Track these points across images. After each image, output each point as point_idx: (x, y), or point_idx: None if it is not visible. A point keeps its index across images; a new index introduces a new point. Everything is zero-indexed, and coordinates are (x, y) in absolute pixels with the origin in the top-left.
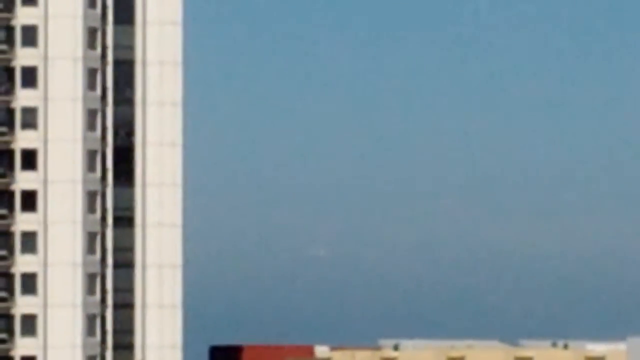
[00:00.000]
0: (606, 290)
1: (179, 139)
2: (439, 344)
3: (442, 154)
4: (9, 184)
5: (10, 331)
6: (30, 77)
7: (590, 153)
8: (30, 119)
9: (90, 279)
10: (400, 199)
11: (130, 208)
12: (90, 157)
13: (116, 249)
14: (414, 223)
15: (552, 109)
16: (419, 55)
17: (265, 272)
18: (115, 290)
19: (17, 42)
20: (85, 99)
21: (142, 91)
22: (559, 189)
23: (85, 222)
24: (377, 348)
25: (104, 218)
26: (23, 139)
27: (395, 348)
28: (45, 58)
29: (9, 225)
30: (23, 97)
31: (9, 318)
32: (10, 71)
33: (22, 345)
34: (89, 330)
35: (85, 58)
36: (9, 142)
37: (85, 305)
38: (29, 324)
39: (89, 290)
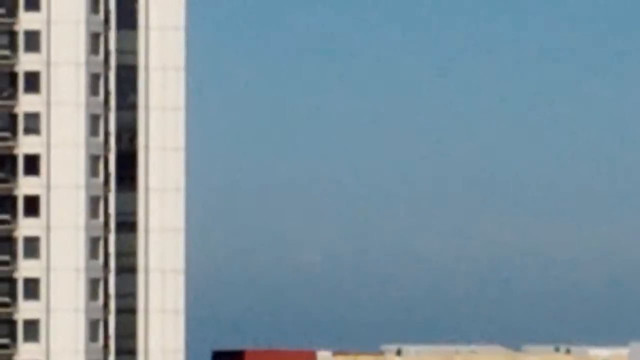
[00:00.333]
0: (608, 295)
1: (181, 143)
2: (442, 349)
3: (440, 157)
4: (12, 189)
5: (12, 336)
6: (33, 82)
7: (593, 155)
8: (33, 124)
9: (92, 284)
10: (400, 203)
11: (133, 213)
12: (93, 162)
13: (119, 254)
14: (416, 228)
15: (553, 110)
16: (419, 55)
17: (268, 277)
18: (118, 295)
19: (19, 47)
20: (87, 104)
21: (144, 96)
22: (562, 192)
23: (88, 227)
24: (380, 353)
25: (106, 223)
26: (26, 144)
27: (398, 353)
28: (48, 63)
29: (12, 231)
30: (26, 102)
31: (11, 323)
32: (13, 76)
33: (24, 350)
34: (92, 336)
35: (88, 63)
36: (11, 147)
37: (87, 310)
38: (32, 329)
39: (92, 295)
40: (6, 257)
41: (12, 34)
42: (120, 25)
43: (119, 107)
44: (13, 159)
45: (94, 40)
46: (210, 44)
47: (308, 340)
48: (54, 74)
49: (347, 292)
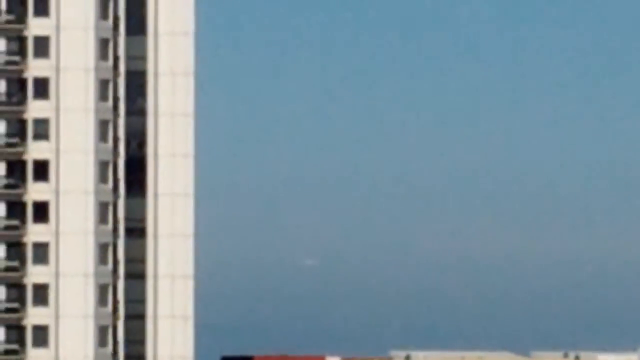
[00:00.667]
0: (618, 300)
1: (190, 149)
2: (450, 355)
3: (445, 159)
4: (21, 194)
5: (22, 342)
6: (42, 88)
7: (604, 160)
8: (42, 130)
9: (101, 289)
10: (408, 208)
11: (142, 219)
12: (102, 167)
13: (128, 260)
14: (425, 234)
15: (555, 110)
16: (421, 56)
17: (277, 283)
18: (127, 301)
19: (29, 53)
20: (97, 109)
21: (154, 102)
22: (571, 199)
23: (97, 233)
24: (389, 359)
25: (115, 229)
26: (35, 150)
27: (407, 359)
28: (57, 69)
29: (21, 236)
30: (35, 108)
31: (20, 329)
32: (22, 82)
33: (34, 356)
34: (101, 341)
35: (97, 69)
36: (21, 153)
37: (97, 316)
38: (41, 334)
39: (101, 301)
40: (15, 263)
41: (22, 40)
42: (129, 31)
43: (128, 113)
44: (22, 164)
45: (103, 46)
46: (219, 50)
47: (317, 346)
48: (63, 80)
49: (356, 297)
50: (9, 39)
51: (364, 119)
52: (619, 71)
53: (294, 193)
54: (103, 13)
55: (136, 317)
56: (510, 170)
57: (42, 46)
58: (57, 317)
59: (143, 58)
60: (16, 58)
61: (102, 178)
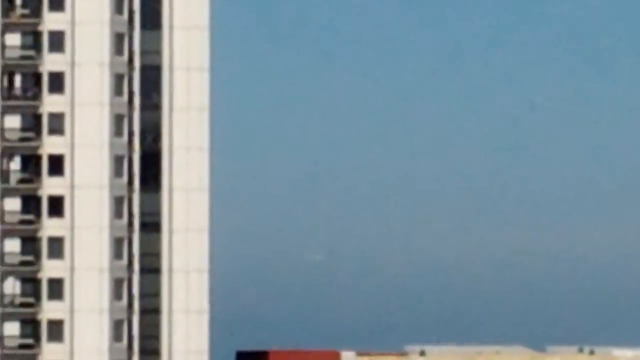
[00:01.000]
0: (633, 295)
1: (205, 144)
2: (465, 350)
3: (455, 154)
4: (36, 189)
5: (36, 337)
6: (57, 82)
7: (613, 154)
8: (57, 124)
9: (116, 284)
10: (418, 202)
11: (157, 213)
12: (117, 162)
13: (143, 254)
14: (438, 228)
15: (557, 110)
16: (423, 57)
17: (291, 278)
18: (142, 295)
19: (44, 48)
20: (112, 104)
21: (169, 96)
22: (584, 193)
23: (112, 228)
24: (403, 353)
25: (130, 223)
26: (50, 145)
27: (422, 354)
28: (72, 63)
29: (36, 231)
30: (50, 103)
31: (35, 323)
32: (37, 77)
33: (48, 350)
34: (116, 336)
35: (112, 63)
36: (36, 148)
37: (112, 310)
38: (56, 329)
39: (116, 295)
40: (30, 257)
41: (37, 35)
42: (144, 26)
43: (143, 108)
44: (37, 159)
45: (118, 41)
46: (235, 44)
47: (332, 341)
48: (78, 75)
49: (370, 292)
50: (24, 34)
51: (374, 117)
52: (619, 71)
53: (311, 186)
54: (118, 7)
55: (151, 312)
56: (519, 165)
57: (57, 41)
58: (71, 311)
59: (158, 52)
60: (31, 53)
61: (117, 172)
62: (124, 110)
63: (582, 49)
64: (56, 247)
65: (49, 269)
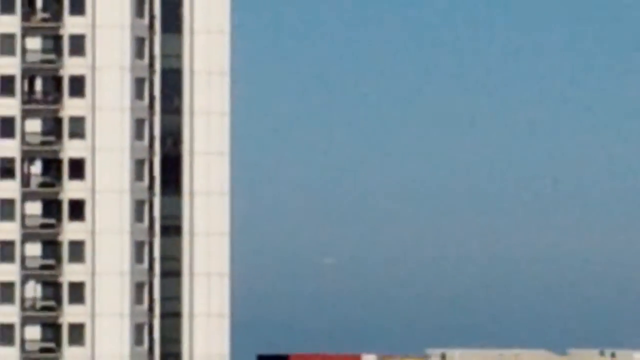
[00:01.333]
0: None
1: (226, 147)
2: (487, 353)
3: (466, 157)
4: (57, 193)
5: (58, 340)
6: (78, 86)
7: (629, 153)
8: (78, 128)
9: (137, 288)
10: (438, 207)
11: (178, 217)
12: (138, 166)
13: (164, 258)
14: (459, 232)
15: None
16: (426, 59)
17: (313, 281)
18: (163, 299)
19: (65, 52)
20: (132, 108)
21: (189, 100)
22: (606, 195)
23: (132, 231)
24: (425, 357)
25: (151, 227)
26: (71, 148)
27: (443, 357)
28: (93, 67)
29: (57, 234)
30: (71, 107)
31: (56, 327)
32: (58, 80)
33: (69, 354)
34: (137, 340)
35: (132, 67)
36: (57, 152)
37: (132, 314)
38: (77, 333)
39: (137, 299)
40: (51, 261)
41: (57, 38)
42: (165, 29)
43: (163, 111)
44: (58, 163)
45: (139, 44)
46: (255, 48)
47: (353, 344)
48: (99, 78)
49: (392, 295)
50: (45, 38)
51: (388, 125)
52: (619, 72)
53: (329, 190)
54: (139, 11)
55: (172, 315)
56: (541, 169)
57: (78, 44)
58: (93, 315)
59: (179, 56)
60: (52, 56)
61: (137, 176)
62: (144, 114)
63: (584, 49)
64: (77, 250)
65: (70, 272)
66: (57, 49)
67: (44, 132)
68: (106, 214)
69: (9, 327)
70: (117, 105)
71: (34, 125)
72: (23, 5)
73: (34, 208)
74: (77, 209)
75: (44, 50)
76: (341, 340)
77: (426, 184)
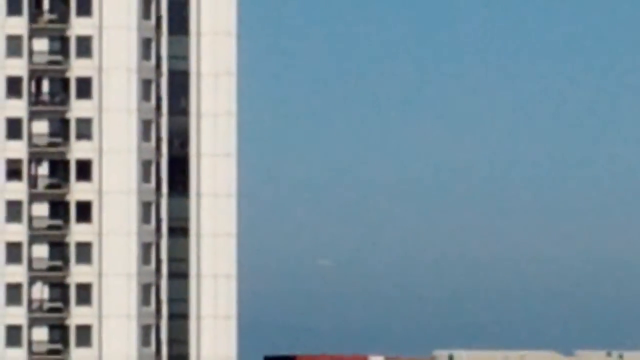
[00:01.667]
0: None
1: (233, 149)
2: (494, 355)
3: (467, 159)
4: (64, 194)
5: (65, 342)
6: (84, 87)
7: (616, 154)
8: (85, 129)
9: (144, 289)
10: (441, 207)
11: (185, 218)
12: (145, 167)
13: (171, 259)
14: (467, 232)
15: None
16: (428, 59)
17: (319, 282)
18: (170, 300)
19: (71, 53)
20: (139, 109)
21: (196, 102)
22: (617, 197)
23: (139, 233)
24: (432, 358)
25: (158, 228)
26: (78, 150)
27: (450, 358)
28: (100, 69)
29: (64, 236)
30: (78, 108)
31: (63, 328)
32: (65, 82)
33: (77, 356)
34: (144, 341)
35: (139, 69)
36: (64, 153)
37: (140, 315)
38: (84, 334)
39: (144, 300)
40: (58, 263)
41: (64, 40)
42: (171, 31)
43: (170, 113)
44: (65, 164)
45: (146, 46)
46: (262, 50)
47: (360, 346)
48: (106, 80)
49: (399, 297)
50: (52, 39)
51: (389, 130)
52: (621, 72)
53: (335, 193)
54: (145, 13)
55: (179, 317)
56: (551, 173)
57: (85, 46)
58: (100, 316)
59: (185, 58)
60: (59, 58)
61: (144, 178)
62: (151, 116)
63: (585, 50)
64: (84, 252)
65: (77, 274)
66: (64, 51)
67: (51, 134)
68: (113, 215)
69: (17, 329)
70: (124, 106)
71: (41, 127)
72: (30, 6)
73: (41, 209)
74: (84, 211)
75: (51, 52)
76: (348, 341)
77: (436, 185)
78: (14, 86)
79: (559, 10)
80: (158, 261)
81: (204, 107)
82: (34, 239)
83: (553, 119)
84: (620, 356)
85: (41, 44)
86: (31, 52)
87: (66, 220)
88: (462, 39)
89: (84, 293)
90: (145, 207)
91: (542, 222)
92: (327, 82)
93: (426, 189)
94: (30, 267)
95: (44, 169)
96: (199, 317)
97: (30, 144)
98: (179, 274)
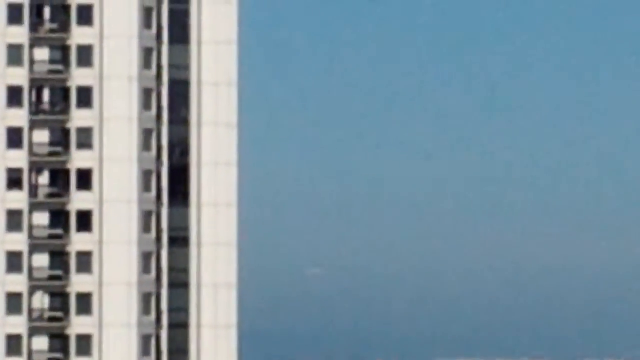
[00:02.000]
0: None
1: (234, 159)
2: None
3: (458, 169)
4: (65, 204)
5: (65, 351)
6: (85, 97)
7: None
8: (85, 139)
9: (145, 298)
10: (444, 218)
11: (186, 228)
12: (146, 177)
13: (171, 269)
14: (469, 243)
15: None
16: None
17: (319, 291)
18: (170, 310)
19: (72, 62)
20: (140, 118)
21: (197, 111)
22: (614, 206)
23: (140, 242)
24: None
25: (159, 238)
26: (78, 159)
27: None
28: (101, 78)
29: (65, 245)
30: (78, 117)
31: (64, 338)
32: (65, 91)
33: None
34: (144, 351)
35: (140, 78)
36: (64, 162)
37: (140, 325)
38: (84, 344)
39: (144, 310)
40: (59, 272)
41: (65, 49)
42: (172, 40)
43: (171, 122)
44: (66, 173)
45: (147, 55)
46: (263, 59)
47: (360, 354)
48: (107, 89)
49: (400, 306)
50: (53, 48)
51: (390, 134)
52: (621, 73)
53: (339, 200)
54: (146, 22)
55: (179, 326)
56: (552, 180)
57: (86, 55)
58: (100, 326)
59: (186, 67)
60: (60, 67)
61: (145, 187)
62: (152, 125)
63: (587, 52)
64: (85, 261)
65: (78, 283)
66: (65, 60)
67: (52, 143)
68: (114, 224)
69: (17, 338)
70: (125, 115)
71: (42, 136)
72: (31, 16)
73: (42, 219)
74: (85, 220)
75: (52, 61)
76: (348, 349)
77: (429, 195)
78: (14, 95)
79: (559, 11)
80: (158, 270)
81: (205, 116)
82: (34, 248)
83: (564, 125)
84: None
85: (42, 54)
86: (32, 62)
87: (67, 229)
88: (462, 39)
89: (85, 302)
90: (145, 216)
91: (540, 231)
92: (328, 92)
93: (432, 199)
94: (30, 277)
95: (44, 179)
96: (199, 327)
97: (31, 153)
98: (180, 283)
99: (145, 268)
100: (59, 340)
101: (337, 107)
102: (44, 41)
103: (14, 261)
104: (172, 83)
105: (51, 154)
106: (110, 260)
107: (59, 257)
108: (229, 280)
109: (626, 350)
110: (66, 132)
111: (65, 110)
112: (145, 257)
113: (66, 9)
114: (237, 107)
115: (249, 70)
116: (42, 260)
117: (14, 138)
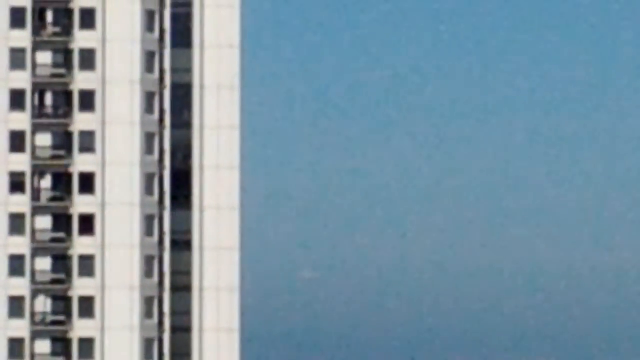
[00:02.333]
0: None
1: (236, 162)
2: None
3: (455, 170)
4: (67, 207)
5: (68, 355)
6: (88, 100)
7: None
8: (88, 142)
9: (147, 302)
10: (454, 217)
11: (188, 231)
12: (148, 180)
13: (174, 273)
14: (483, 244)
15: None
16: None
17: (321, 295)
18: (173, 313)
19: (75, 66)
20: (143, 122)
21: (199, 114)
22: (625, 208)
23: (142, 246)
24: None
25: (161, 241)
26: (81, 163)
27: None
28: (103, 81)
29: (67, 249)
30: (81, 121)
31: (66, 341)
32: (68, 95)
33: None
34: (147, 354)
35: (142, 81)
36: (67, 166)
37: (142, 328)
38: (87, 347)
39: (147, 313)
40: (61, 276)
41: (68, 53)
42: (175, 44)
43: (173, 126)
44: (68, 177)
45: (149, 59)
46: (265, 63)
47: (362, 358)
48: (109, 93)
49: (401, 308)
50: (55, 52)
51: (392, 139)
52: (622, 73)
53: (341, 204)
54: (149, 26)
55: (182, 330)
56: (556, 184)
57: (88, 59)
58: (103, 329)
59: (189, 71)
60: (62, 71)
61: (147, 191)
62: (154, 129)
63: (589, 54)
64: (87, 265)
65: (80, 287)
66: (68, 64)
67: (54, 147)
68: (116, 228)
69: (19, 342)
70: (127, 119)
71: (44, 140)
72: (33, 19)
73: (44, 222)
74: (87, 224)
75: (55, 65)
76: (350, 352)
77: (433, 196)
78: (17, 99)
79: (559, 11)
80: (161, 274)
81: (207, 120)
82: (36, 251)
83: (564, 127)
84: None
85: (44, 57)
86: (34, 65)
87: (69, 233)
88: (462, 40)
89: (87, 306)
90: (148, 220)
91: (543, 232)
92: (331, 95)
93: (439, 206)
94: (33, 280)
95: (47, 182)
96: (201, 330)
97: (34, 156)
98: (182, 286)
99: (147, 271)
100: (62, 344)
101: (340, 112)
102: (47, 45)
103: (17, 265)
104: (175, 86)
105: (53, 158)
106: (112, 263)
107: (61, 261)
108: (232, 283)
109: (630, 352)
110: (69, 136)
111: (68, 114)
112: (148, 261)
113: (69, 12)
114: (239, 111)
115: (252, 73)
116: (44, 263)
117: (17, 141)
